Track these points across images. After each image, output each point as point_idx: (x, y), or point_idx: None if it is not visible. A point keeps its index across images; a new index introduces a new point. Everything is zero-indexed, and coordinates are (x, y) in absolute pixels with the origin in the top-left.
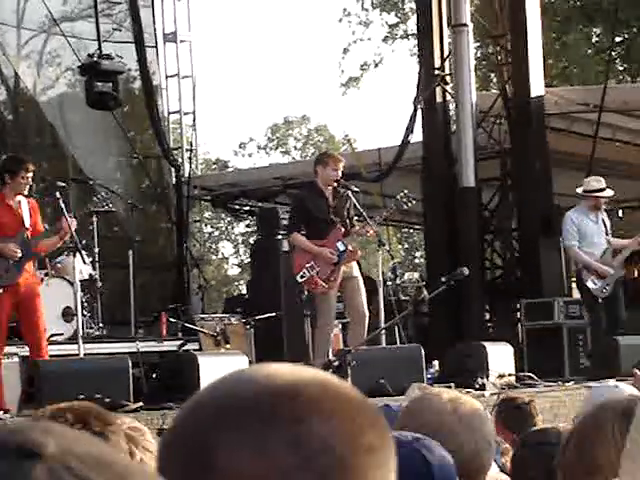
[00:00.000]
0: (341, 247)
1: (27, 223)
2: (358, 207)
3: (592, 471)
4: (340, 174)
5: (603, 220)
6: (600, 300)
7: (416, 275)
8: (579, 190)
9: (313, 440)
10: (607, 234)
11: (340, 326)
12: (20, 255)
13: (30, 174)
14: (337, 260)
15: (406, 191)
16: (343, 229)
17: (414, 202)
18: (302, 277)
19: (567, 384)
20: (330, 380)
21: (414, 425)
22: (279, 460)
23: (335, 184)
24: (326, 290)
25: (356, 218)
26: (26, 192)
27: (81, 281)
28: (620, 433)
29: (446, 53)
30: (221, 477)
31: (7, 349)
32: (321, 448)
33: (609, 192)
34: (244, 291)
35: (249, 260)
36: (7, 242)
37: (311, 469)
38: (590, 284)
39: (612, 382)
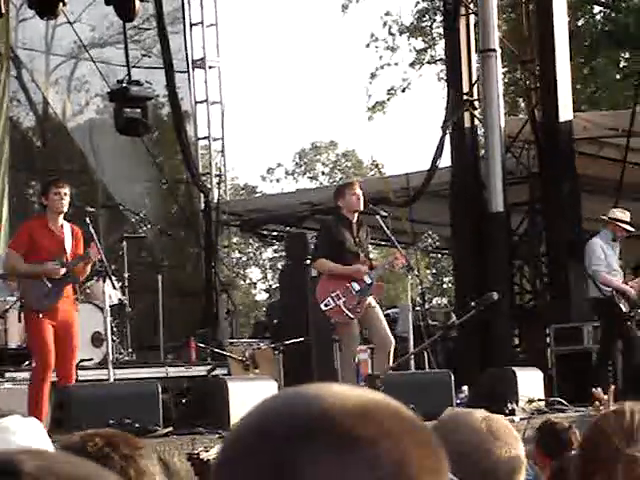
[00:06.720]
0: (368, 280)
1: (68, 248)
2: (387, 232)
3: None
4: (361, 195)
5: (620, 250)
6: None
7: (444, 300)
8: (605, 217)
9: (387, 461)
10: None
11: (369, 352)
12: (62, 273)
13: (63, 189)
14: (364, 292)
15: (430, 232)
16: (368, 262)
17: (437, 243)
18: (326, 305)
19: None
20: (393, 402)
21: (448, 445)
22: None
23: (362, 208)
24: (350, 321)
25: (384, 243)
26: (65, 209)
27: (110, 306)
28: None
29: (474, 78)
30: None
31: None
32: (394, 469)
33: (631, 227)
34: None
35: (277, 285)
36: (45, 263)
37: None
38: (623, 307)
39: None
